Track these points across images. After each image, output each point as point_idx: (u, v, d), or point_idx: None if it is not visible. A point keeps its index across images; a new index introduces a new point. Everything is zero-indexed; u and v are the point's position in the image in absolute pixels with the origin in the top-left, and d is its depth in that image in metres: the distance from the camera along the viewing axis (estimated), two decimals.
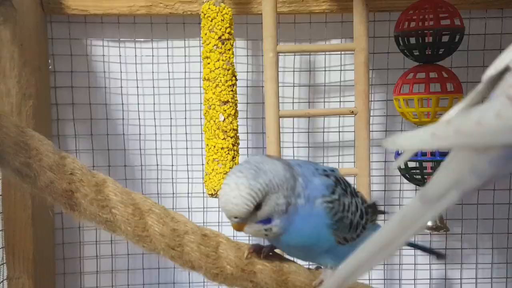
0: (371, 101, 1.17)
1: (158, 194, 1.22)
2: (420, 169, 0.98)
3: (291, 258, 0.61)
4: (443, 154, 0.97)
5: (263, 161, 0.53)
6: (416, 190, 1.06)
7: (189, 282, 1.24)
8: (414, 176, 1.00)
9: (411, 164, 0.99)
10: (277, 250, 0.61)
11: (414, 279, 1.25)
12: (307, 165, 0.57)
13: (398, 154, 1.02)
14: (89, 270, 1.23)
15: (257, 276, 0.56)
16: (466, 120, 0.34)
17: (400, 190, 1.22)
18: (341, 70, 1.20)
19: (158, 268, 1.23)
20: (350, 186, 0.60)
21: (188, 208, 1.22)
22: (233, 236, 0.60)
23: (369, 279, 1.22)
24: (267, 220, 0.53)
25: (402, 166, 1.01)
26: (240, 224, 0.53)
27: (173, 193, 1.23)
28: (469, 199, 1.21)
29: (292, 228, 0.54)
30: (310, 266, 0.63)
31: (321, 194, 0.54)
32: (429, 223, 1.04)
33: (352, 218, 0.57)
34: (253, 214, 0.52)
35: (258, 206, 0.52)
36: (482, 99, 0.40)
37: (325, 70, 1.21)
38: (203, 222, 1.23)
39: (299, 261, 0.62)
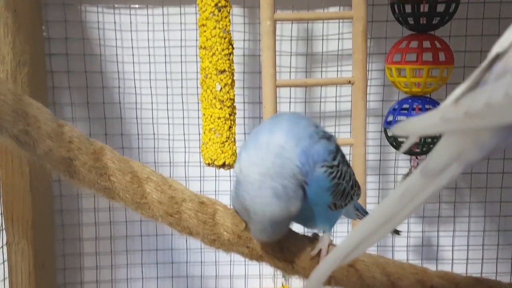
0: (369, 70, 1.17)
1: (155, 163, 1.23)
2: (407, 138, 0.99)
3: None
4: None
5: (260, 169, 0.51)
6: (410, 160, 1.07)
7: (187, 248, 1.26)
8: (401, 144, 1.01)
9: None
10: None
11: (407, 246, 1.27)
12: (305, 127, 0.55)
13: (387, 123, 1.02)
14: (88, 237, 1.24)
15: (253, 242, 0.57)
16: (474, 101, 0.34)
17: (395, 160, 1.23)
18: (339, 39, 1.19)
19: (156, 235, 1.25)
20: (345, 155, 0.61)
21: (185, 177, 1.23)
22: (230, 204, 0.61)
23: None
24: None
25: (391, 134, 1.02)
26: None
27: (170, 162, 1.24)
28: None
29: None
30: (306, 234, 0.65)
31: (323, 159, 0.55)
32: None
33: (345, 186, 0.58)
34: None
35: None
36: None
37: (322, 39, 1.20)
38: (200, 191, 1.24)
39: (295, 228, 0.63)
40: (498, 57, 0.38)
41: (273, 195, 0.50)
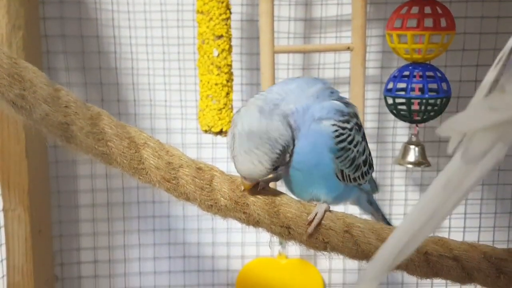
0: (368, 36, 1.15)
1: (151, 129, 1.22)
2: (407, 105, 0.99)
3: (284, 192, 0.61)
4: (432, 91, 0.97)
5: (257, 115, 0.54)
6: (409, 128, 1.06)
7: (183, 216, 1.26)
8: (401, 112, 1.00)
9: (399, 100, 0.99)
10: (271, 184, 0.62)
11: (404, 214, 1.28)
12: (317, 89, 0.57)
13: (387, 90, 1.01)
14: (85, 203, 1.25)
15: (250, 207, 0.57)
16: None
17: (393, 128, 1.23)
18: (338, 4, 1.17)
19: (152, 202, 1.25)
20: (363, 130, 0.61)
21: (181, 144, 1.23)
22: (227, 170, 0.60)
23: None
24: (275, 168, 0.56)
25: (390, 102, 1.01)
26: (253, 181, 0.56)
27: (166, 129, 1.23)
28: None
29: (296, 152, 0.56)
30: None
31: (326, 116, 0.55)
32: (411, 159, 1.06)
33: (356, 155, 0.58)
34: None
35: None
36: None
37: (321, 4, 1.18)
38: (197, 158, 1.23)
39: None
40: None
41: (257, 110, 0.54)
